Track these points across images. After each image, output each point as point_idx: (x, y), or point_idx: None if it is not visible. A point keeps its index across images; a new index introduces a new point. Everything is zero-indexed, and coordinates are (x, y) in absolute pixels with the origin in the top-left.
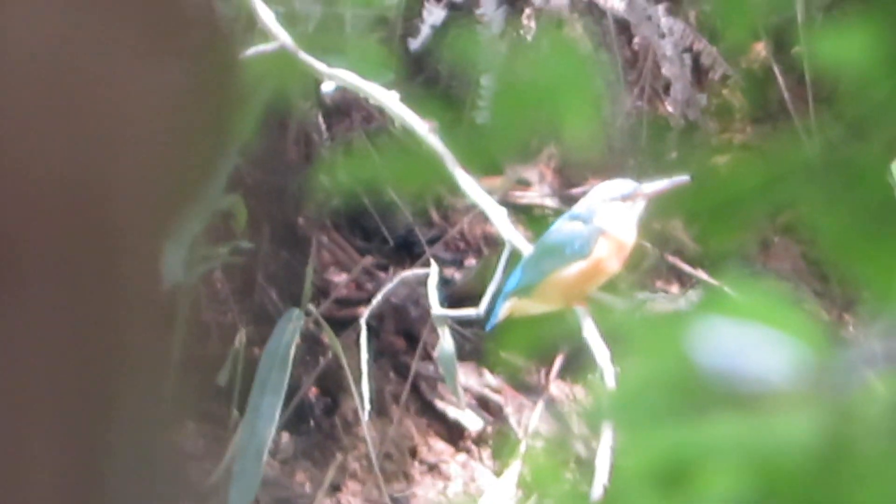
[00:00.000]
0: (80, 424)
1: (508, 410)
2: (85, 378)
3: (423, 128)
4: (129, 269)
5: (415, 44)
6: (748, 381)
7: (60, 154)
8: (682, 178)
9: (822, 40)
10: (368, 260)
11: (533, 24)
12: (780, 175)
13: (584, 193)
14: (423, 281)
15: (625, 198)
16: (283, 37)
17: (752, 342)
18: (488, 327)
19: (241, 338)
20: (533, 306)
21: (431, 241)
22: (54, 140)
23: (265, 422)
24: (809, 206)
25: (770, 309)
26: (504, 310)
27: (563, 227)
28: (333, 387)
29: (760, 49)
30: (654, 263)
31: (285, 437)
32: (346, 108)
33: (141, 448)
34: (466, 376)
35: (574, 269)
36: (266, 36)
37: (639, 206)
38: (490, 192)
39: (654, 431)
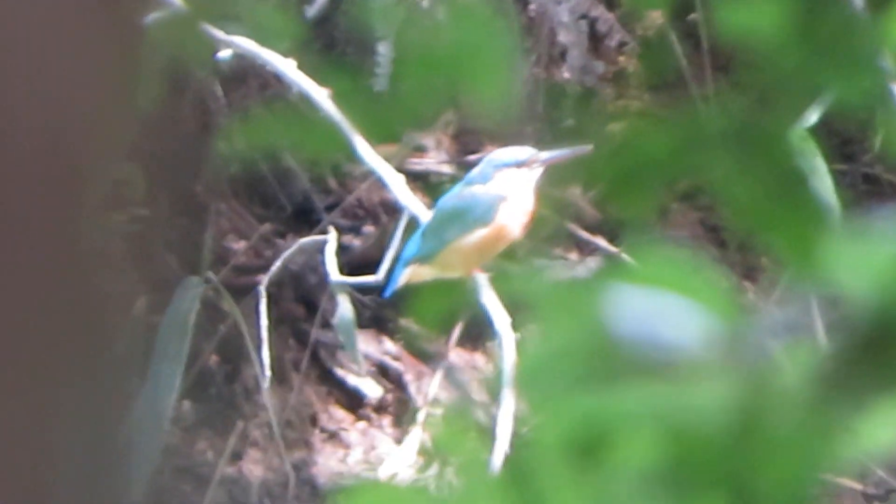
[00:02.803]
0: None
1: (408, 378)
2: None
3: (320, 95)
4: (42, 234)
5: (311, 11)
6: (659, 348)
7: None
8: (584, 148)
9: (728, 9)
10: (267, 227)
11: None
12: (681, 142)
13: (480, 160)
14: (321, 248)
15: (520, 164)
16: (179, 4)
17: (662, 309)
18: (386, 294)
19: (140, 306)
20: (432, 273)
21: (329, 208)
22: None
23: (165, 390)
24: (712, 174)
25: (675, 276)
26: (403, 277)
27: (463, 194)
28: (233, 354)
29: (657, 16)
30: (552, 231)
31: (186, 404)
32: (242, 76)
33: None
34: (366, 344)
35: (477, 236)
36: (162, 3)
37: (536, 173)
38: (387, 159)
39: (565, 400)
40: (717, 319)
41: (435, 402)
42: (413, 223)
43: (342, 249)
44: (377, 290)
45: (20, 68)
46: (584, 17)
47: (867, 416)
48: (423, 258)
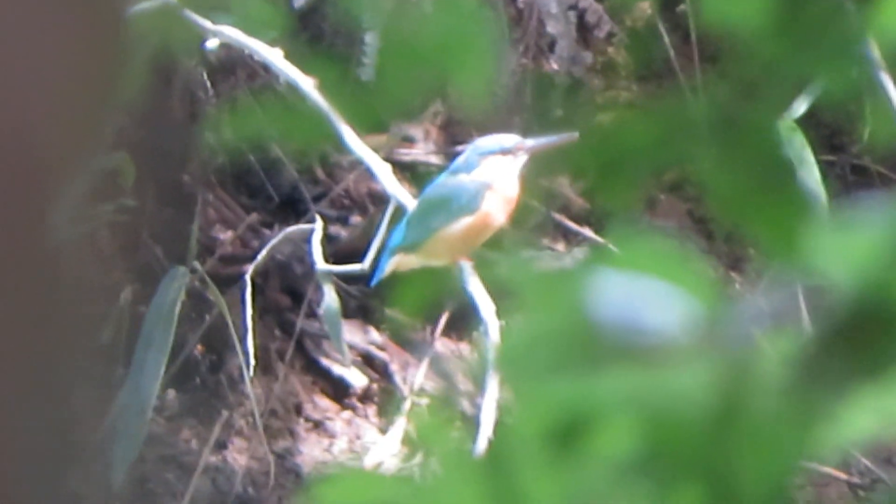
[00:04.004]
0: None
1: (393, 367)
2: None
3: (308, 85)
4: (16, 227)
5: (299, 1)
6: (641, 334)
7: None
8: (570, 135)
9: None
10: (253, 217)
11: None
12: (668, 133)
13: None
14: (307, 237)
15: (505, 152)
16: None
17: (644, 294)
18: (372, 283)
19: (126, 295)
20: (418, 261)
21: (316, 199)
22: None
23: (150, 379)
24: (698, 164)
25: (659, 263)
26: (389, 265)
27: (448, 182)
28: (219, 344)
29: (646, 7)
30: (540, 221)
31: (171, 394)
32: (230, 66)
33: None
34: (351, 333)
35: (462, 224)
36: None
37: (521, 160)
38: (375, 150)
39: (546, 386)
40: (700, 305)
41: (420, 391)
42: (400, 213)
43: (329, 239)
44: (363, 279)
45: None
46: (572, 7)
47: (850, 404)
48: (408, 247)
